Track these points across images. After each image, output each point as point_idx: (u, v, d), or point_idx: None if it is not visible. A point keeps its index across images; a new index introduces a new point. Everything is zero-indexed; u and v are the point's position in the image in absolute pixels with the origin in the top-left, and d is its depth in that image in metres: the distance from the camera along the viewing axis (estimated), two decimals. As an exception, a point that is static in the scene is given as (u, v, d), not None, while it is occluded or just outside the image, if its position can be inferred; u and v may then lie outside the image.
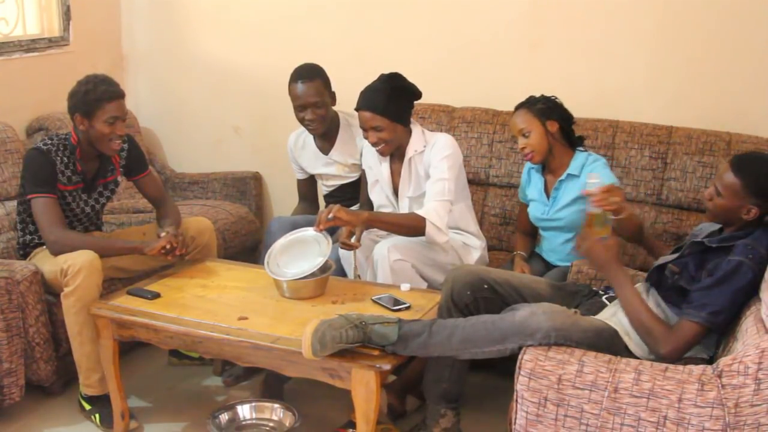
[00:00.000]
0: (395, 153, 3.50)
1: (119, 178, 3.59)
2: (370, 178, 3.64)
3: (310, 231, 3.24)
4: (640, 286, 2.87)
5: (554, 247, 3.46)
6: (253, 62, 4.75)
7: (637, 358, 2.61)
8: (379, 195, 3.60)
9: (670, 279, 2.71)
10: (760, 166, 2.64)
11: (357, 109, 3.38)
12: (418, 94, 3.45)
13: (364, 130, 3.40)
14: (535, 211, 3.50)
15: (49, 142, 3.33)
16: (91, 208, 3.50)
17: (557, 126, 3.32)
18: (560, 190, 3.37)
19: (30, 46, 4.42)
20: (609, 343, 2.60)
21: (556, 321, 2.49)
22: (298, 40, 4.56)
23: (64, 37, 4.62)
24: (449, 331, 2.61)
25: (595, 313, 2.79)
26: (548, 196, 3.43)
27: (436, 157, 3.39)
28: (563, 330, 2.46)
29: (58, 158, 3.31)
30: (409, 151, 3.45)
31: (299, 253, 3.19)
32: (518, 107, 3.37)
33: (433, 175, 3.39)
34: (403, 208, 3.52)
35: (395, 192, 3.55)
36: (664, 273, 2.76)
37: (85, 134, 3.32)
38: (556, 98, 3.37)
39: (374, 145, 3.41)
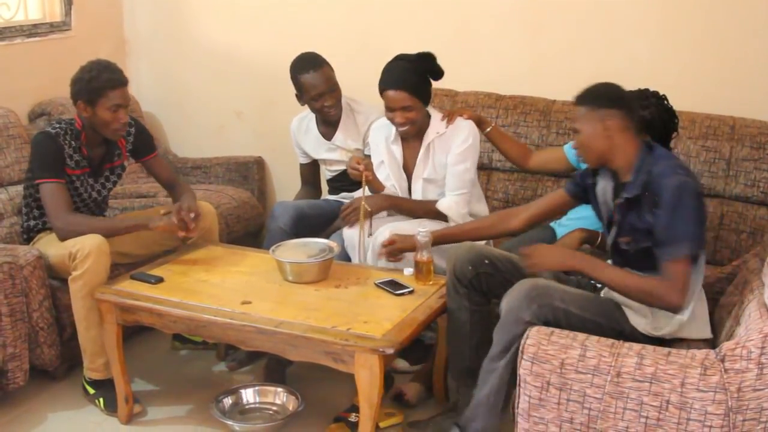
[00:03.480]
0: (411, 136, 3.49)
1: (126, 163, 3.59)
2: (375, 158, 3.60)
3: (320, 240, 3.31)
4: None
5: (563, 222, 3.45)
6: (255, 47, 4.74)
7: (640, 332, 2.62)
8: (382, 175, 3.56)
9: (631, 249, 2.68)
10: (589, 87, 2.71)
11: (387, 88, 3.33)
12: (442, 75, 3.43)
13: (392, 110, 3.36)
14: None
15: (57, 126, 3.33)
16: (98, 193, 3.50)
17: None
18: None
19: (32, 31, 4.41)
20: (605, 309, 2.62)
21: (524, 286, 2.55)
22: (300, 24, 4.55)
23: (66, 22, 4.60)
24: (484, 395, 2.65)
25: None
26: None
27: (459, 146, 3.40)
28: (539, 291, 2.52)
29: (66, 142, 3.31)
30: (430, 134, 3.44)
31: (304, 250, 3.22)
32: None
33: (454, 164, 3.41)
34: (417, 189, 3.51)
35: (406, 173, 3.55)
36: (621, 250, 2.73)
37: (89, 120, 3.32)
38: (670, 107, 3.13)
39: (401, 125, 3.37)
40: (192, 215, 3.28)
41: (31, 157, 3.38)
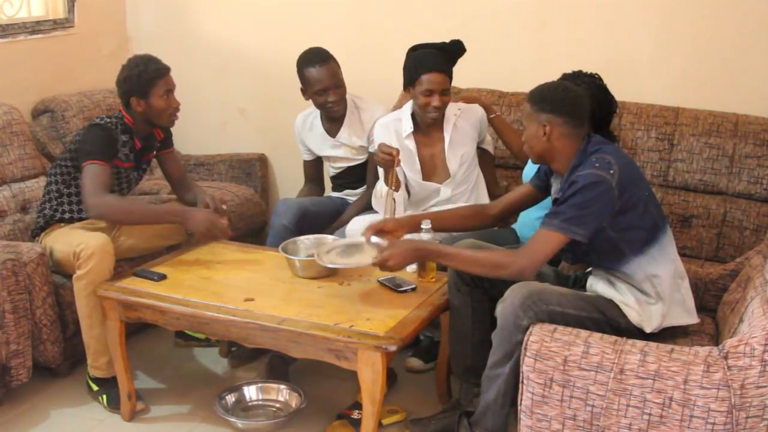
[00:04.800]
0: (426, 126, 3.53)
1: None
2: None
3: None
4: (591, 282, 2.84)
5: (526, 221, 3.45)
6: (258, 44, 4.74)
7: (638, 329, 2.63)
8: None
9: (571, 257, 2.75)
10: (542, 85, 2.75)
11: (430, 71, 3.38)
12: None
13: (430, 93, 3.40)
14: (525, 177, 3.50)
15: (109, 120, 3.37)
16: (135, 183, 3.58)
17: None
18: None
19: (35, 27, 4.41)
20: (600, 306, 2.64)
21: (521, 291, 2.55)
22: (304, 21, 4.55)
23: (69, 19, 4.60)
24: (491, 398, 2.67)
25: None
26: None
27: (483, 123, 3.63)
28: (533, 298, 2.53)
29: (119, 136, 3.35)
30: (450, 117, 3.53)
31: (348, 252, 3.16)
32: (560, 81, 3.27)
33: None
34: (453, 169, 3.52)
35: (421, 166, 3.57)
36: (564, 249, 2.74)
37: (142, 114, 3.38)
38: (603, 86, 3.15)
39: (436, 110, 3.43)
40: (223, 207, 3.35)
41: (80, 143, 3.35)
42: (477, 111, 3.62)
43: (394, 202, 3.36)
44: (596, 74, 3.18)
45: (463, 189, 3.56)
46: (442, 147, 3.55)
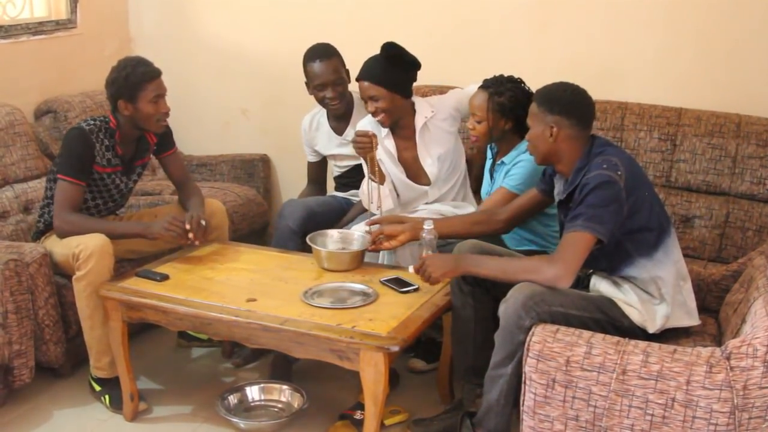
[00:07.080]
0: (400, 129, 3.50)
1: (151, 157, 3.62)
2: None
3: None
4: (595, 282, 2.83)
5: None
6: (260, 44, 4.74)
7: (641, 329, 2.63)
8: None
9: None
10: (550, 85, 2.75)
11: (357, 79, 3.41)
12: (416, 63, 3.43)
13: (364, 100, 3.43)
14: (482, 190, 3.51)
15: (92, 122, 3.34)
16: (126, 188, 3.53)
17: (511, 124, 3.24)
18: (497, 173, 3.36)
19: (37, 28, 4.41)
20: (602, 306, 2.64)
21: (524, 291, 2.55)
22: (306, 21, 4.55)
23: (72, 20, 4.61)
24: (494, 398, 2.67)
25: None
26: (491, 176, 3.43)
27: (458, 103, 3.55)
28: (535, 299, 2.52)
29: (99, 141, 3.32)
30: (419, 122, 3.47)
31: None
32: (483, 88, 3.28)
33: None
34: (432, 173, 3.49)
35: (402, 165, 3.54)
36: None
37: (129, 118, 3.33)
38: (527, 90, 3.22)
39: (373, 114, 3.42)
40: (203, 223, 3.30)
41: (60, 150, 3.38)
42: (449, 103, 3.55)
43: (380, 195, 3.36)
44: (519, 78, 3.24)
45: (450, 186, 3.55)
46: (416, 151, 3.53)
